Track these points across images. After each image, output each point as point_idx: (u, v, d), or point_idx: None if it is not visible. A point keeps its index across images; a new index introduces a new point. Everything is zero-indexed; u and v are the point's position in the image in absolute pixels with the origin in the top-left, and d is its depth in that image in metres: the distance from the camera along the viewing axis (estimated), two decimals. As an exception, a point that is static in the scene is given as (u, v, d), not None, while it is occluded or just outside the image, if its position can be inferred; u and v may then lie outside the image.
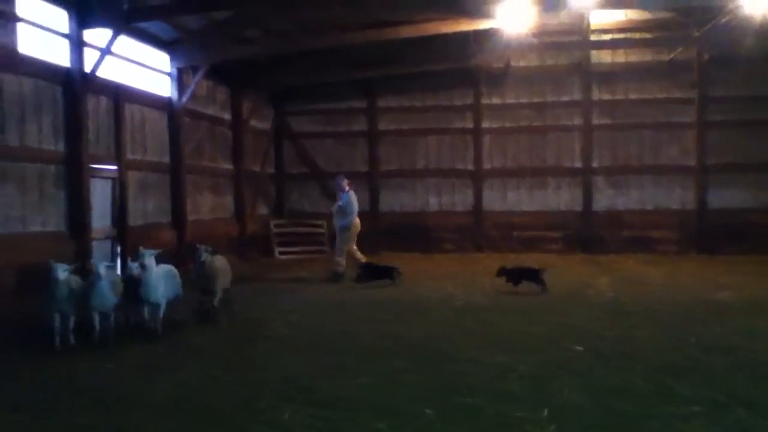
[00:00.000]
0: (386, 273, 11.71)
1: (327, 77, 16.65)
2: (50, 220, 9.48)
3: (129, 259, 8.12)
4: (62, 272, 7.01)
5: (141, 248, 7.66)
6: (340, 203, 12.56)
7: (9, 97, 8.72)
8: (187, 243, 13.06)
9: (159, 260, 7.78)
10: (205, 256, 8.51)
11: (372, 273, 11.70)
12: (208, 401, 5.35)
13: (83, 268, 8.17)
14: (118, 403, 5.34)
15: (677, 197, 16.77)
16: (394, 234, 17.51)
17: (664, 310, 8.98)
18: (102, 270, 7.23)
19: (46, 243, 9.20)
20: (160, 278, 7.60)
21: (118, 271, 8.80)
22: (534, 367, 6.17)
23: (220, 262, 8.81)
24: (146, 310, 7.82)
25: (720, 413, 4.88)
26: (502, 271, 10.76)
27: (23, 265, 8.70)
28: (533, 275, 10.64)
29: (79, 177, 9.87)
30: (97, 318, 7.29)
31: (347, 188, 12.69)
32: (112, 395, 5.50)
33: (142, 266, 7.45)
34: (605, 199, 17.08)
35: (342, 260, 12.43)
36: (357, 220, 12.60)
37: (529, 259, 14.93)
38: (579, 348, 6.86)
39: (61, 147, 9.71)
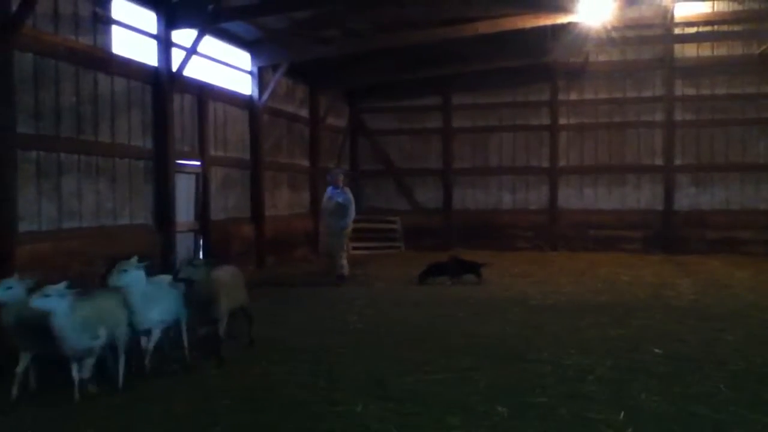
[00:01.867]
0: (470, 268, 11.62)
1: (402, 75, 16.71)
2: (138, 213, 9.93)
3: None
4: (4, 291, 5.20)
5: (131, 261, 5.88)
6: (340, 200, 11.51)
7: (102, 95, 9.19)
8: (264, 239, 13.41)
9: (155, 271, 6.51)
10: (192, 272, 6.13)
11: (440, 270, 11.59)
12: (285, 392, 5.52)
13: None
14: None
15: (766, 196, 16.02)
16: (467, 232, 17.47)
17: (751, 314, 8.61)
18: (52, 295, 5.02)
19: (134, 235, 9.67)
20: (151, 298, 5.88)
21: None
22: (612, 370, 6.05)
23: (223, 275, 6.68)
24: (142, 340, 6.01)
25: (810, 423, 4.68)
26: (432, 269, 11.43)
27: (113, 255, 9.15)
28: (473, 268, 11.40)
29: (165, 172, 10.30)
30: (75, 366, 5.28)
31: (341, 185, 11.78)
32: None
33: (122, 284, 5.69)
34: (688, 198, 16.49)
35: (345, 262, 11.67)
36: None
37: (607, 260, 14.65)
38: (659, 351, 6.67)
39: (149, 143, 10.15)
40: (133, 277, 5.74)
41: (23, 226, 7.74)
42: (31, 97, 7.94)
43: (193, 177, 11.43)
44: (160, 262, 10.05)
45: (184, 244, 10.96)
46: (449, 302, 9.68)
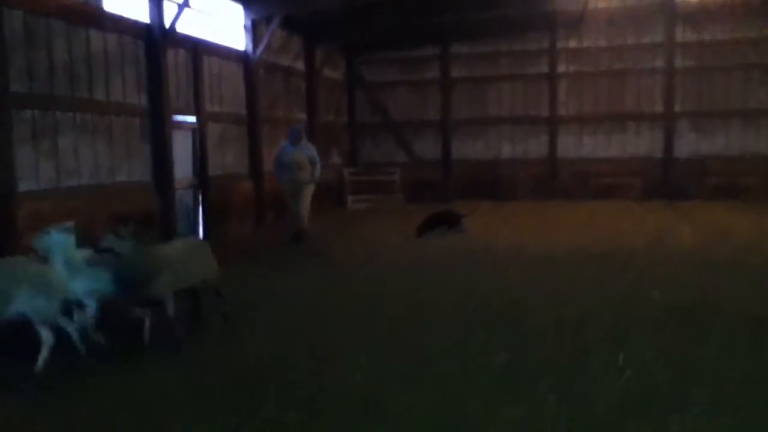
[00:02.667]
0: (449, 220, 11.72)
1: (400, 25, 16.43)
2: (136, 171, 9.90)
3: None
4: None
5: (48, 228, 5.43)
6: (309, 154, 11.15)
7: (95, 52, 9.06)
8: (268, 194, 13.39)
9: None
10: (116, 245, 5.41)
11: (434, 222, 11.66)
12: (280, 357, 5.59)
13: None
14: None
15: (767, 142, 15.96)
16: (467, 183, 17.48)
17: (750, 261, 8.66)
18: None
19: (133, 193, 9.66)
20: (77, 266, 5.41)
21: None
22: (611, 317, 6.12)
23: (166, 249, 6.06)
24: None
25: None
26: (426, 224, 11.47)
27: (113, 213, 9.17)
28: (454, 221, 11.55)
29: (161, 129, 10.23)
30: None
31: (303, 139, 11.48)
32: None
33: (42, 248, 5.32)
34: (688, 144, 16.41)
35: (305, 219, 11.26)
36: None
37: (607, 209, 14.67)
38: (658, 298, 6.74)
39: (144, 100, 10.06)
40: (55, 240, 5.30)
41: (22, 186, 7.73)
42: (22, 56, 7.83)
43: (190, 133, 11.36)
44: (160, 219, 10.09)
45: (183, 201, 10.97)
46: (447, 255, 9.72)
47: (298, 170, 11.10)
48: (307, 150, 11.26)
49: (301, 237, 11.11)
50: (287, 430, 4.00)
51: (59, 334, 5.16)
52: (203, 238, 11.42)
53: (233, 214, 12.42)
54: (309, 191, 11.28)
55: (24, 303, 4.95)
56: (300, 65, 15.73)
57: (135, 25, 9.85)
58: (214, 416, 4.17)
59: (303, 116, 15.81)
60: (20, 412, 4.37)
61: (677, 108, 16.36)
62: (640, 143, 16.76)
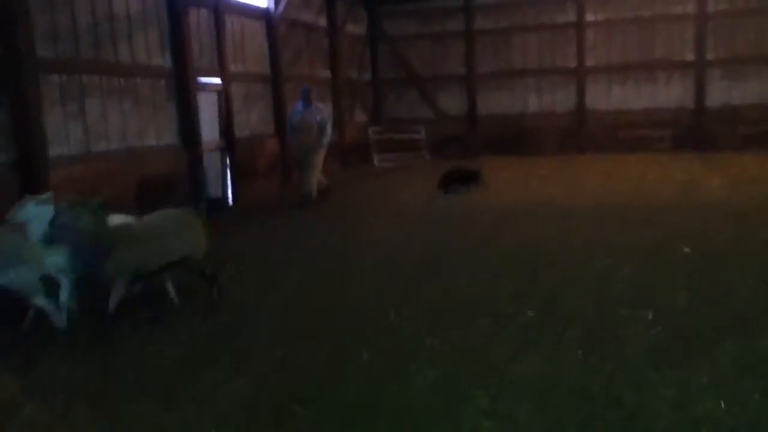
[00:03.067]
0: (471, 177, 11.59)
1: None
2: (164, 133, 9.97)
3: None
4: None
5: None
6: (319, 117, 10.77)
7: (117, 14, 9.04)
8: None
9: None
10: (71, 219, 4.93)
11: (457, 179, 11.53)
12: (319, 303, 5.69)
13: None
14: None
15: (802, 88, 15.50)
16: (493, 137, 17.30)
17: (782, 210, 8.53)
18: None
19: (161, 155, 9.75)
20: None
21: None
22: (640, 270, 6.11)
23: (132, 224, 5.55)
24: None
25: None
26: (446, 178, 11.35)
27: (143, 177, 9.30)
28: (474, 177, 11.37)
29: (187, 90, 10.25)
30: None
31: (313, 101, 11.05)
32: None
33: (19, 220, 5.09)
34: (720, 92, 15.98)
35: (315, 183, 10.88)
36: None
37: (637, 161, 14.47)
38: (687, 250, 6.69)
39: (168, 62, 10.06)
40: (32, 213, 5.06)
41: (53, 150, 7.84)
42: (47, 20, 7.86)
43: (215, 94, 11.37)
44: (188, 181, 10.20)
45: (211, 163, 11.05)
46: (475, 210, 9.72)
47: (308, 133, 10.73)
48: (317, 112, 10.87)
49: (307, 202, 10.67)
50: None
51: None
52: (231, 199, 11.55)
53: (260, 173, 12.50)
54: (319, 155, 10.88)
55: (3, 275, 4.88)
56: (322, 21, 15.56)
57: (156, -15, 9.80)
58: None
59: (326, 73, 15.71)
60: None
61: (709, 56, 15.91)
62: (671, 93, 16.37)
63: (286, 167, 13.38)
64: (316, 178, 10.91)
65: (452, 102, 17.89)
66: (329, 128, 10.99)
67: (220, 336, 4.98)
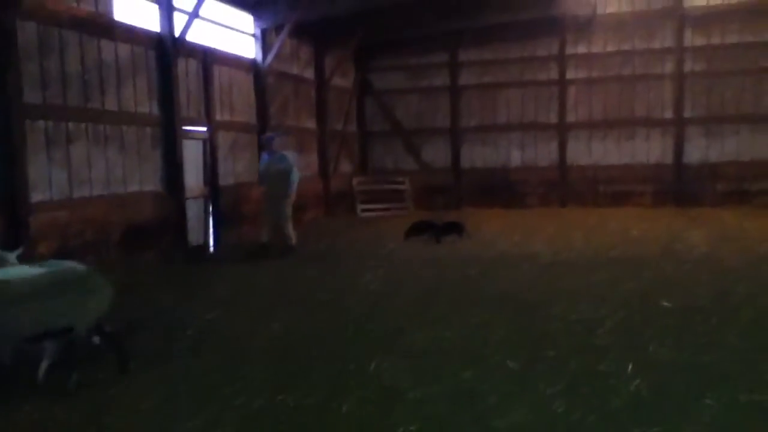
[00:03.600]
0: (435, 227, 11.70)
1: (408, 31, 16.49)
2: (148, 180, 9.97)
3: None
4: None
5: None
6: (282, 166, 10.67)
7: (107, 62, 9.15)
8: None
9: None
10: None
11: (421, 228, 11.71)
12: (302, 346, 5.62)
13: None
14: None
15: (779, 147, 15.86)
16: (477, 189, 17.51)
17: (762, 266, 8.63)
18: None
19: (145, 202, 9.73)
20: None
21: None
22: (622, 322, 6.12)
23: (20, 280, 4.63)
24: None
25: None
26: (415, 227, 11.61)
27: (126, 222, 9.26)
28: (455, 228, 11.53)
29: (173, 138, 10.30)
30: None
31: (276, 149, 11.04)
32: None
33: None
34: (698, 150, 16.34)
35: (292, 231, 10.87)
36: None
37: (618, 215, 14.65)
38: (669, 304, 6.72)
39: (155, 110, 10.13)
40: None
41: (35, 196, 7.80)
42: (36, 66, 7.92)
43: (201, 142, 11.43)
44: (172, 228, 10.17)
45: (194, 210, 11.03)
46: (459, 260, 9.74)
47: (275, 182, 10.59)
48: (282, 161, 10.73)
49: (288, 251, 10.66)
50: None
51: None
52: (213, 245, 11.49)
53: (245, 220, 12.48)
54: (286, 204, 10.71)
55: None
56: (309, 73, 15.81)
57: (146, 34, 9.94)
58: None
59: (312, 124, 15.89)
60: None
61: (687, 113, 16.31)
62: (651, 149, 16.70)
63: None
64: (290, 225, 10.80)
65: (437, 154, 18.12)
66: (294, 176, 10.73)
67: (195, 384, 4.89)
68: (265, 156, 11.07)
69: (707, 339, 5.53)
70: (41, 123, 8.01)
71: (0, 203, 7.31)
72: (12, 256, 5.54)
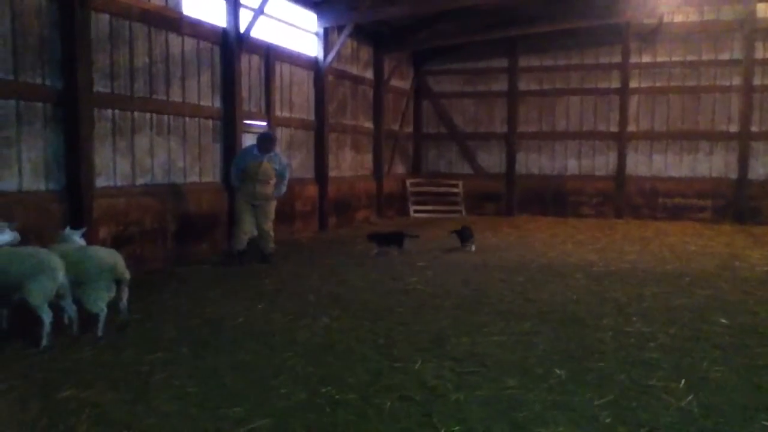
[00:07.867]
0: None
1: (469, 37, 16.45)
2: (207, 171, 10.23)
3: None
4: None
5: None
6: (276, 166, 9.66)
7: (173, 55, 9.43)
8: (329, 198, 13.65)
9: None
10: None
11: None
12: (347, 345, 5.68)
13: None
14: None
15: None
16: (531, 197, 17.33)
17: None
18: None
19: (203, 193, 9.98)
20: None
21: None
22: (674, 338, 5.97)
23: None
24: None
25: None
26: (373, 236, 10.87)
27: (184, 213, 9.51)
28: (397, 239, 10.73)
29: (233, 132, 10.55)
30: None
31: (274, 149, 9.87)
32: (261, 334, 5.89)
33: None
34: (764, 166, 15.80)
35: (271, 237, 9.88)
36: None
37: (675, 229, 14.28)
38: (725, 321, 6.53)
39: (217, 103, 10.39)
40: None
41: (100, 182, 8.11)
42: (106, 57, 8.23)
43: (260, 137, 11.62)
44: (227, 219, 10.39)
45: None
46: (509, 267, 9.66)
47: (265, 182, 9.58)
48: (278, 161, 9.75)
49: (270, 257, 9.82)
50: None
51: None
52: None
53: (297, 217, 12.66)
54: (272, 207, 9.83)
55: None
56: (368, 74, 15.93)
57: (212, 29, 10.20)
58: (271, 410, 4.27)
59: (369, 124, 16.00)
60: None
61: (754, 128, 15.78)
62: (713, 163, 16.23)
63: (324, 212, 13.56)
64: (271, 230, 9.84)
65: (491, 159, 18.01)
66: (286, 181, 9.90)
67: (239, 374, 4.99)
68: (253, 151, 9.59)
69: (764, 361, 5.35)
70: (108, 112, 8.30)
71: (67, 187, 7.62)
72: (77, 235, 6.28)
